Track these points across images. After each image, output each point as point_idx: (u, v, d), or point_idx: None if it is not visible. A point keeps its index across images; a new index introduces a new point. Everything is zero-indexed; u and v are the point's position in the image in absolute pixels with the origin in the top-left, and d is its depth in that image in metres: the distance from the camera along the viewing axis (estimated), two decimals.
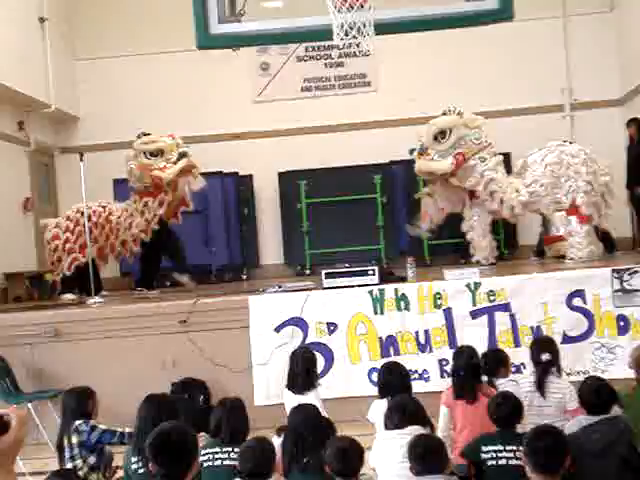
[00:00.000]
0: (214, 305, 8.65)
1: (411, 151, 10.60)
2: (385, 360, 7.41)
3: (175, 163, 10.62)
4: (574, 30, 13.54)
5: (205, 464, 4.81)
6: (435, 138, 10.28)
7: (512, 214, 10.46)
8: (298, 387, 6.18)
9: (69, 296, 10.54)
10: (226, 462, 4.79)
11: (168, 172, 10.55)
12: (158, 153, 10.66)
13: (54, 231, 10.70)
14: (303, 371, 6.27)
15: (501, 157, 10.58)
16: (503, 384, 5.92)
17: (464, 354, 5.89)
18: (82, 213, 10.33)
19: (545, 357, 5.74)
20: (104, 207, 10.76)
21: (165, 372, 8.27)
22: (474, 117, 10.43)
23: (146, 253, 10.88)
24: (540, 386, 5.64)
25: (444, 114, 10.44)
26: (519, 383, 5.88)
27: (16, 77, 11.65)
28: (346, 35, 7.71)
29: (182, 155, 10.67)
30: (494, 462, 4.59)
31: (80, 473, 5.37)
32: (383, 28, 8.08)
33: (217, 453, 4.86)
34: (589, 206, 10.07)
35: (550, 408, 5.60)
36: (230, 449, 4.81)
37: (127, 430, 5.50)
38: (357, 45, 12.39)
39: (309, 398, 5.95)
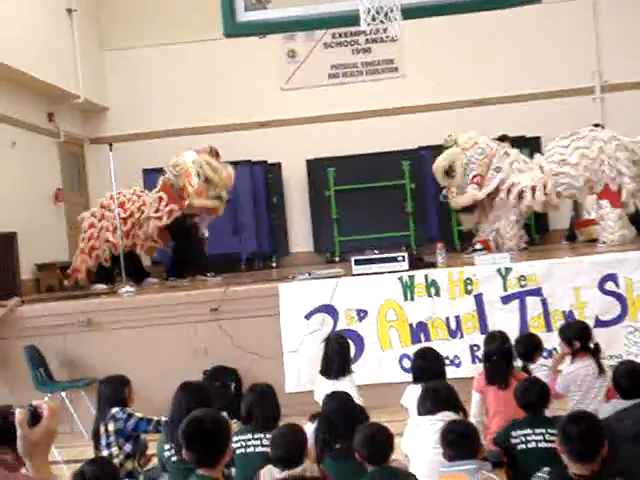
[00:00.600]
0: (244, 293, 8.67)
1: (443, 197, 11.03)
2: (416, 346, 7.40)
3: (210, 199, 10.46)
4: (604, 11, 13.36)
5: (237, 451, 4.83)
6: (447, 174, 10.64)
7: (544, 208, 10.57)
8: (333, 373, 6.18)
9: (101, 286, 10.58)
10: (258, 449, 4.80)
11: (198, 200, 10.31)
12: (207, 181, 10.38)
13: (90, 220, 10.72)
14: (337, 357, 6.27)
15: (514, 153, 10.64)
16: (536, 368, 5.90)
17: (496, 339, 5.88)
18: (115, 200, 10.39)
19: (594, 341, 5.80)
20: (139, 196, 10.71)
21: (197, 360, 8.32)
22: (466, 138, 10.61)
23: (178, 243, 10.87)
24: (601, 365, 5.70)
25: (442, 146, 10.82)
26: (567, 373, 5.83)
27: (45, 69, 11.71)
28: (373, 20, 7.65)
29: (218, 197, 10.54)
30: (524, 446, 4.59)
31: (116, 461, 5.43)
32: (410, 13, 8.01)
33: (249, 440, 4.87)
34: (628, 192, 9.91)
35: (604, 388, 5.59)
36: (262, 435, 4.82)
37: (163, 418, 5.54)
38: (384, 30, 12.41)
39: (344, 384, 5.96)
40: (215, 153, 10.63)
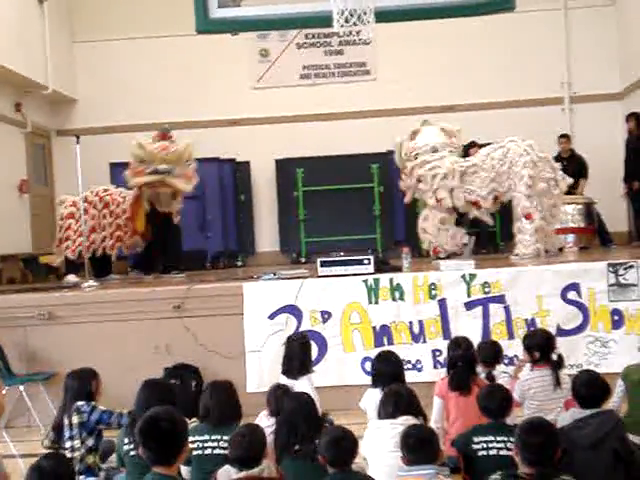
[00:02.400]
0: (208, 291, 8.62)
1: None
2: (379, 350, 7.40)
3: (149, 174, 10.28)
4: (575, 23, 13.50)
5: (194, 452, 4.78)
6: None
7: (453, 201, 10.19)
8: (292, 372, 6.17)
9: (73, 278, 10.42)
10: (216, 451, 4.76)
11: (133, 180, 10.36)
12: (141, 160, 10.31)
13: (70, 209, 10.53)
14: (298, 356, 6.26)
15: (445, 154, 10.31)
16: (498, 375, 5.93)
17: (461, 346, 5.86)
18: (100, 198, 10.49)
19: (557, 352, 5.82)
20: (124, 197, 10.64)
21: (158, 357, 8.25)
22: (408, 146, 10.35)
23: (154, 236, 10.71)
24: (558, 377, 5.70)
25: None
26: (524, 378, 5.87)
27: (14, 58, 11.59)
28: (346, 22, 7.67)
29: (154, 172, 10.29)
30: (485, 452, 4.59)
31: (77, 454, 5.44)
32: (383, 16, 8.06)
33: (206, 441, 4.83)
34: (524, 207, 9.91)
35: (561, 399, 5.62)
36: (219, 437, 4.78)
37: (125, 411, 5.49)
38: (357, 33, 12.45)
39: (302, 384, 5.94)
40: (162, 136, 10.49)
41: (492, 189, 9.99)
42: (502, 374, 6.01)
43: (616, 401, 5.50)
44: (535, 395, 5.71)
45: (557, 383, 5.67)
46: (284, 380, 6.19)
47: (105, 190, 10.67)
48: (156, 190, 10.40)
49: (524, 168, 9.80)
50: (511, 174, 9.89)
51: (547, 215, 10.04)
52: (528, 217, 9.89)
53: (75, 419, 5.54)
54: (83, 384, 5.72)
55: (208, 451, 4.79)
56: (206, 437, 4.84)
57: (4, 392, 2.01)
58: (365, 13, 7.65)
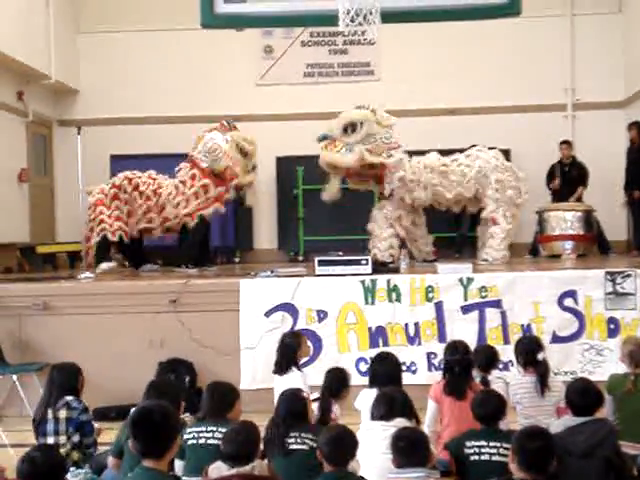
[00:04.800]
0: (205, 286, 8.62)
1: (321, 138, 9.93)
2: (374, 351, 7.40)
3: (248, 172, 10.65)
4: (581, 29, 13.48)
5: (189, 442, 4.80)
6: (345, 130, 9.80)
7: (424, 197, 10.09)
8: (282, 368, 6.19)
9: (106, 265, 10.35)
10: (210, 441, 4.76)
11: (247, 178, 10.62)
12: (245, 154, 10.57)
13: (99, 196, 10.44)
14: (289, 353, 6.28)
15: (406, 156, 10.08)
16: (492, 380, 5.91)
17: (458, 350, 5.82)
18: (130, 180, 10.36)
19: (541, 356, 5.74)
20: (154, 179, 10.49)
21: (152, 351, 8.24)
22: (387, 115, 9.98)
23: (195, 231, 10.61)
24: (543, 384, 5.65)
25: (357, 108, 10.00)
26: (514, 382, 5.86)
27: (18, 47, 11.58)
28: (352, 22, 7.65)
29: (254, 167, 10.74)
30: (477, 457, 4.57)
31: (62, 450, 5.33)
32: (389, 17, 8.04)
33: (202, 432, 4.84)
34: (493, 213, 10.12)
35: (548, 407, 5.61)
36: (215, 428, 4.78)
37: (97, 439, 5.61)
38: (362, 33, 12.42)
39: (294, 379, 5.95)
40: (233, 127, 10.70)
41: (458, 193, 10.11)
42: (497, 379, 5.99)
43: (609, 414, 5.46)
44: (521, 400, 5.71)
45: (542, 390, 5.65)
46: (277, 378, 6.21)
47: (133, 173, 10.50)
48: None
49: (493, 173, 9.96)
50: (479, 178, 10.06)
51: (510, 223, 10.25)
52: (493, 221, 10.00)
53: (63, 413, 5.48)
54: (69, 379, 5.68)
55: (202, 441, 4.79)
56: (202, 428, 4.85)
57: None
58: (371, 13, 7.64)
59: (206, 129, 10.66)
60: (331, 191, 10.29)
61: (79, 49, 13.86)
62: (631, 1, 13.07)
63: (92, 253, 10.52)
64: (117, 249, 10.80)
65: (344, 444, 4.16)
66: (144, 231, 10.62)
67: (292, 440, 4.67)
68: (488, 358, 6.08)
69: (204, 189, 10.34)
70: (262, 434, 4.52)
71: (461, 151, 10.67)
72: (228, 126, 10.64)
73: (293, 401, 4.91)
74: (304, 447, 4.63)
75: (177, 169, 10.58)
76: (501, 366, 7.18)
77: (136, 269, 10.74)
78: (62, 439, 5.44)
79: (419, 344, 8.22)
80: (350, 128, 9.80)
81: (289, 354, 6.29)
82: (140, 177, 10.45)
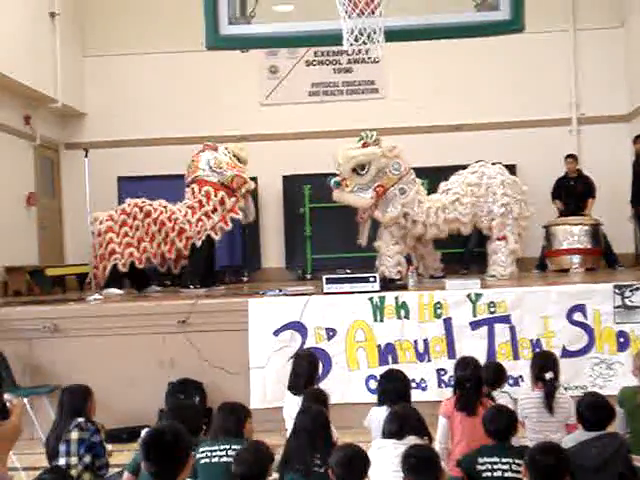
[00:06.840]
0: (214, 306, 8.64)
1: (334, 185, 10.11)
2: (383, 368, 7.39)
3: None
4: (583, 44, 13.54)
5: (202, 461, 4.79)
6: (354, 170, 9.96)
7: (439, 232, 10.24)
8: (299, 388, 6.16)
9: (115, 291, 10.39)
10: (223, 459, 4.76)
11: (249, 184, 10.85)
12: (243, 162, 10.95)
13: (108, 223, 10.49)
14: (305, 373, 6.27)
15: (419, 182, 10.24)
16: (497, 395, 5.91)
17: (469, 366, 5.80)
18: (140, 208, 10.43)
19: (549, 376, 5.72)
20: (165, 207, 10.56)
21: (162, 371, 8.26)
22: (391, 146, 10.05)
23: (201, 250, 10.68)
24: (549, 402, 5.63)
25: (361, 140, 10.11)
26: (523, 397, 5.85)
27: (24, 71, 11.65)
28: (356, 41, 7.68)
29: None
30: (489, 474, 4.55)
31: (73, 472, 5.32)
32: (393, 35, 8.05)
33: (214, 451, 4.83)
34: (501, 229, 10.18)
35: (556, 423, 5.59)
36: (227, 446, 4.78)
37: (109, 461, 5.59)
38: (366, 51, 12.48)
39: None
40: (215, 147, 10.92)
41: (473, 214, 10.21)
42: (501, 394, 5.98)
43: (621, 428, 5.44)
44: (530, 415, 5.70)
45: (548, 407, 5.64)
46: (290, 397, 6.19)
47: (143, 201, 10.58)
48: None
49: (499, 187, 10.06)
50: (488, 196, 10.13)
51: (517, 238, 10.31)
52: (501, 238, 10.04)
53: (75, 435, 5.46)
54: (79, 401, 5.67)
55: (215, 459, 4.79)
56: (215, 447, 4.84)
57: (18, 410, 1.94)
58: (375, 32, 7.67)
59: (194, 153, 10.83)
60: (363, 238, 10.55)
61: (85, 72, 13.95)
62: (633, 16, 13.12)
63: (101, 278, 10.56)
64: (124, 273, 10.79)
65: (357, 464, 4.14)
66: (165, 257, 10.61)
67: (317, 462, 4.58)
68: (495, 376, 6.07)
69: (221, 202, 10.51)
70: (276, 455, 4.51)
71: (464, 167, 10.70)
72: (212, 144, 10.91)
73: (315, 418, 4.87)
74: (321, 470, 4.60)
75: (187, 195, 10.72)
76: (511, 381, 7.17)
77: (138, 292, 10.75)
78: (73, 460, 5.42)
79: (428, 361, 8.20)
80: (359, 168, 9.96)
81: (308, 374, 6.27)
82: (151, 204, 10.53)
